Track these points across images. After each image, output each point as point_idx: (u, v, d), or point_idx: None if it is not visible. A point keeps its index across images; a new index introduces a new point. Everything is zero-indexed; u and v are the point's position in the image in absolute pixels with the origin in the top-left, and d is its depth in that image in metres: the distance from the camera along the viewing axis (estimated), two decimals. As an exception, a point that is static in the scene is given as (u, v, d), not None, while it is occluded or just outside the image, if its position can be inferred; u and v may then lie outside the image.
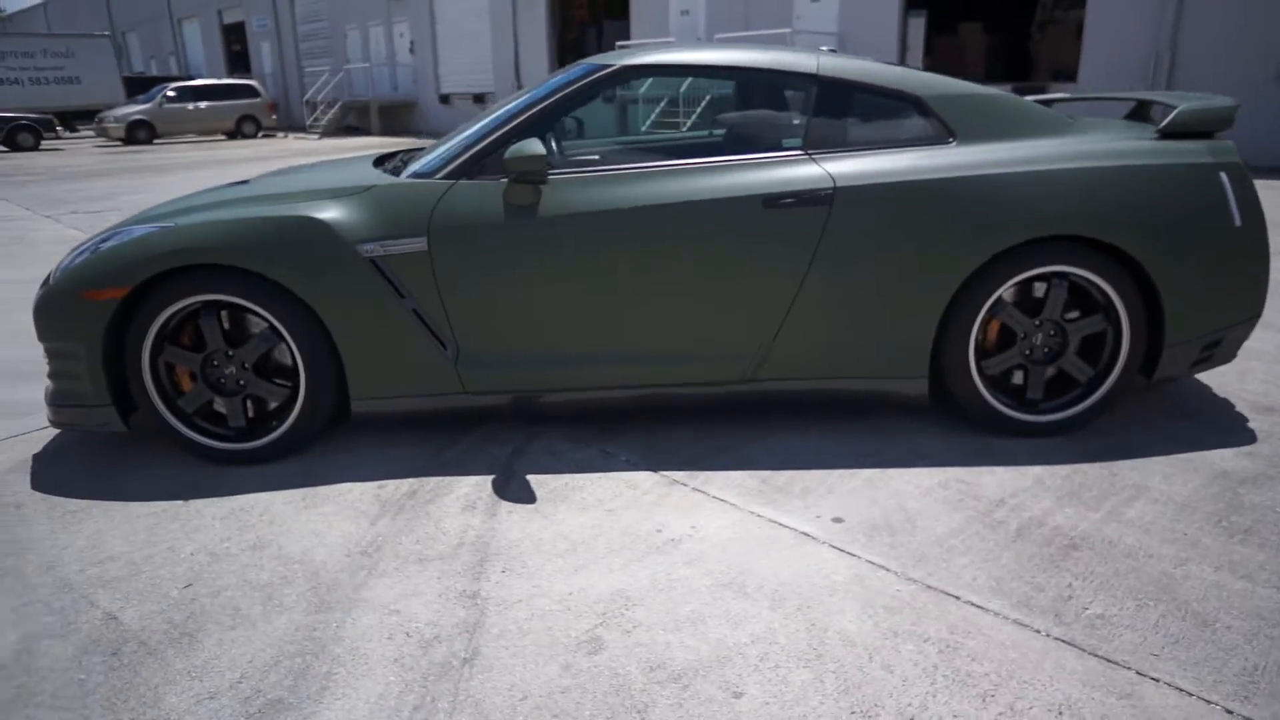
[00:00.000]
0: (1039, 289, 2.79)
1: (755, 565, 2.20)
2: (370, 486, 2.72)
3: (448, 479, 2.74)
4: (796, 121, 2.85)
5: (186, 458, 2.96)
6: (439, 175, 2.81)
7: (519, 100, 2.99)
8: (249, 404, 2.85)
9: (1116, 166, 2.68)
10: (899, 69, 2.87)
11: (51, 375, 2.86)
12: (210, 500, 2.65)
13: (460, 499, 2.60)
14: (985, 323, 2.82)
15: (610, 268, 2.72)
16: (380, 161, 3.35)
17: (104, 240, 2.83)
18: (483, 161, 2.79)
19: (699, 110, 14.87)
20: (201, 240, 2.68)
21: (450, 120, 23.43)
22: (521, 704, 1.74)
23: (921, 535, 2.32)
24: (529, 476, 2.74)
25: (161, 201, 7.19)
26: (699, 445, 2.92)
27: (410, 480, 2.74)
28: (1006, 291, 2.78)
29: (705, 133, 3.55)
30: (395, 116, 25.31)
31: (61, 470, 2.89)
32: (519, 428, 3.11)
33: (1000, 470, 2.66)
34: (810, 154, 2.78)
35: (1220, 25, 10.48)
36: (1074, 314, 2.81)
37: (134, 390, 2.80)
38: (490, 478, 2.73)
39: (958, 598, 2.04)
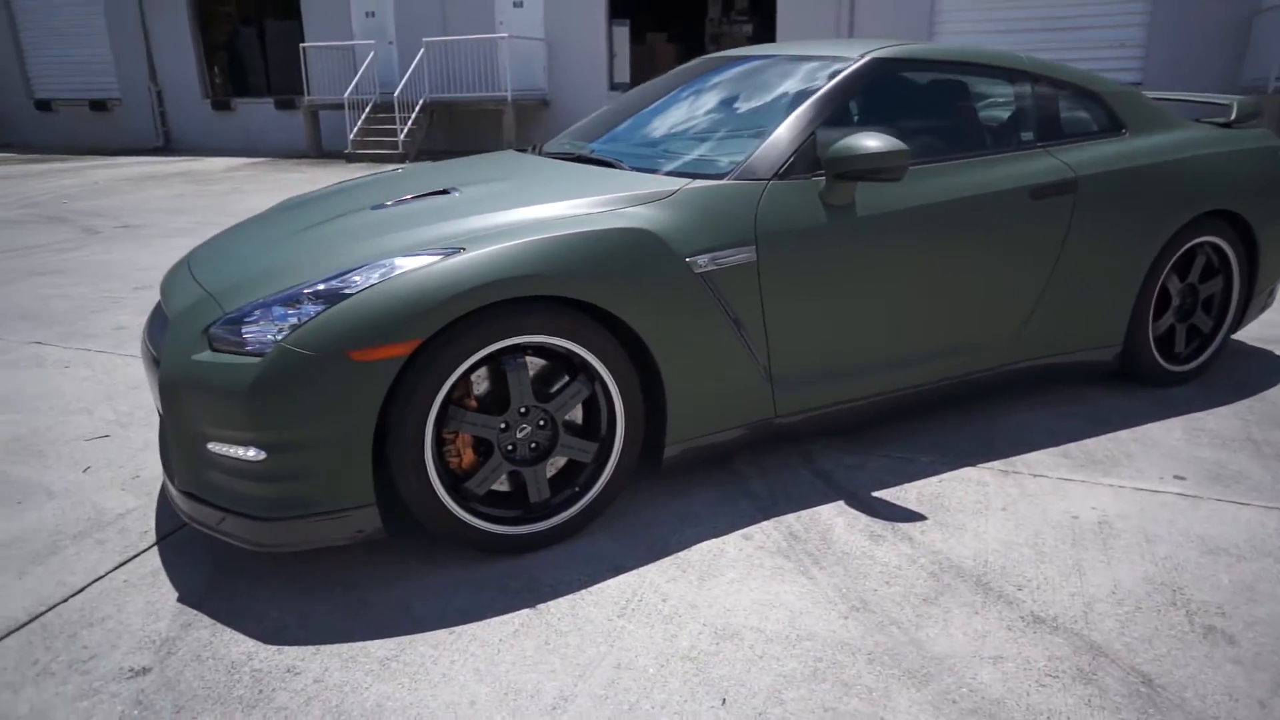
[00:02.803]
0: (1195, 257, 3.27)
1: (1197, 527, 2.34)
2: (733, 538, 2.33)
3: (795, 514, 2.43)
4: (1025, 116, 3.00)
5: (390, 558, 2.25)
6: (737, 177, 2.46)
7: (781, 96, 2.73)
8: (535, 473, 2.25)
9: (1239, 150, 3.26)
10: (1070, 66, 3.17)
11: (262, 478, 1.99)
12: (567, 598, 2.07)
13: (845, 525, 2.35)
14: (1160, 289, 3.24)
15: (917, 265, 2.63)
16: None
17: (333, 285, 2.03)
18: (794, 160, 2.51)
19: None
20: (520, 268, 2.06)
21: (55, 129, 19.17)
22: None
23: (1257, 475, 2.63)
24: (876, 494, 2.55)
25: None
26: (965, 435, 2.95)
27: (767, 523, 2.39)
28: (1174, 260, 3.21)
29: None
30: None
31: (291, 609, 2.03)
32: (770, 449, 2.85)
33: (1216, 412, 3.11)
34: (1044, 146, 2.95)
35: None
36: (1199, 277, 3.34)
37: (400, 479, 2.06)
38: (835, 503, 2.49)
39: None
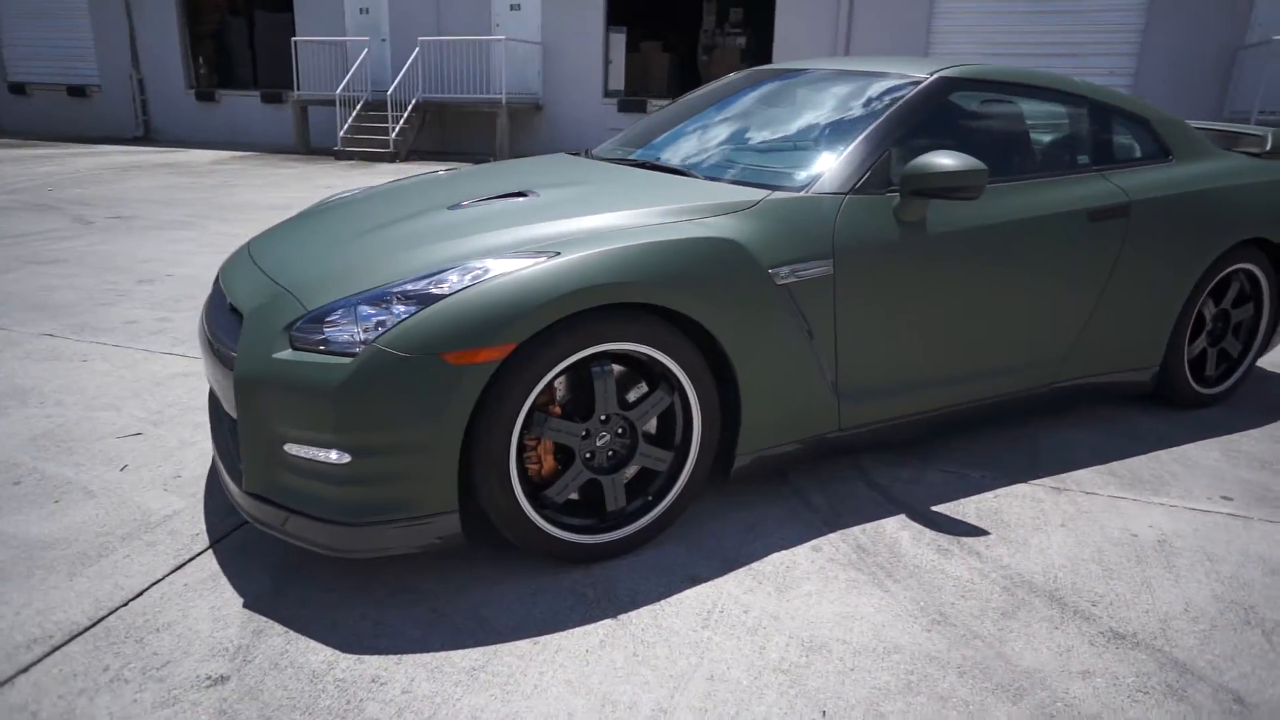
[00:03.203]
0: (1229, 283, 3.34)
1: (1255, 548, 2.38)
2: (803, 550, 2.32)
3: (859, 527, 2.44)
4: (1082, 139, 3.04)
5: (462, 569, 2.22)
6: (816, 190, 2.47)
7: (849, 111, 2.76)
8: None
9: (1277, 180, 3.34)
10: (1120, 92, 3.22)
11: (344, 482, 1.95)
12: (647, 609, 2.05)
13: (911, 539, 2.36)
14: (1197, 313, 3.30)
15: (981, 283, 2.66)
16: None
17: (423, 286, 2.00)
18: (870, 175, 2.52)
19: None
20: (615, 274, 2.04)
21: (29, 114, 18.73)
22: None
23: (1288, 497, 2.70)
24: (935, 508, 2.57)
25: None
26: (1012, 452, 2.98)
27: (834, 535, 2.39)
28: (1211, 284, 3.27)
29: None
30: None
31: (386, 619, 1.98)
32: (825, 462, 2.85)
33: (1250, 434, 3.16)
34: (1099, 170, 3.00)
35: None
36: (1231, 302, 3.41)
37: (483, 485, 2.03)
38: (897, 517, 2.50)
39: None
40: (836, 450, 2.61)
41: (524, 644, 1.94)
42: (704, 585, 2.17)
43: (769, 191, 2.44)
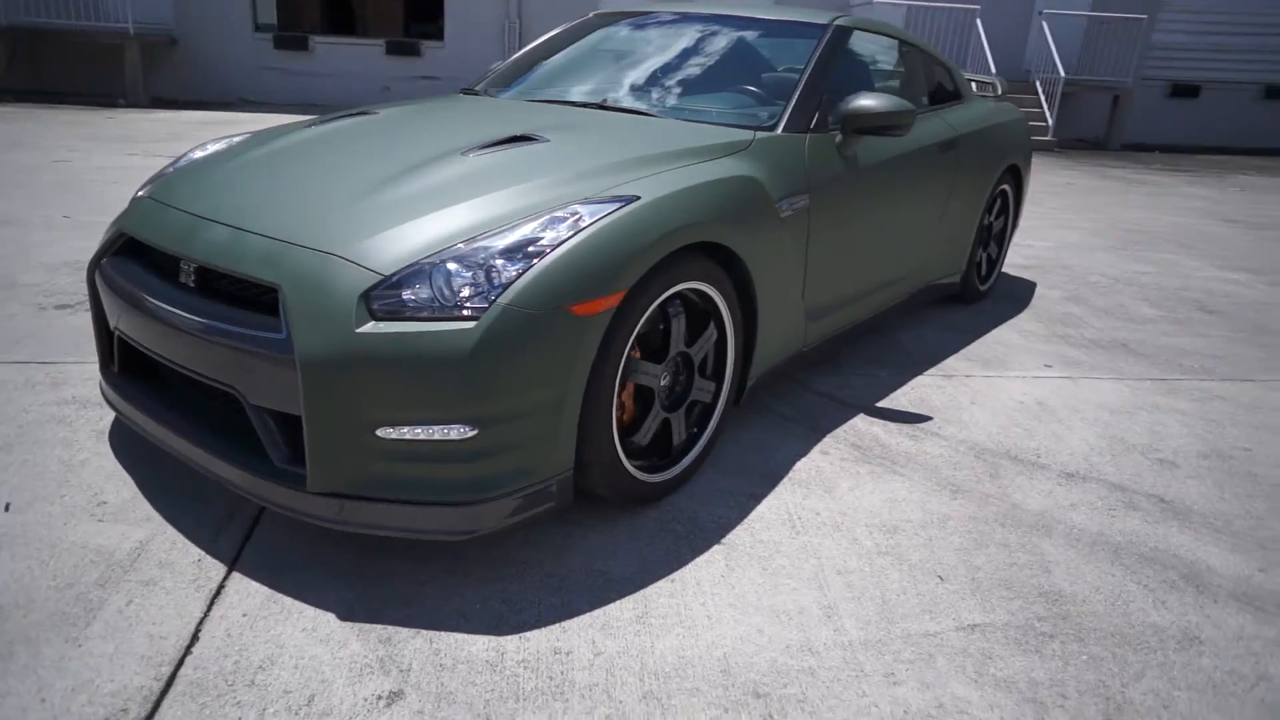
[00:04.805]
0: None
1: (1093, 398, 3.15)
2: (814, 456, 2.58)
3: (838, 429, 2.77)
4: (926, 83, 3.55)
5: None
6: (785, 129, 2.65)
7: (772, 55, 2.96)
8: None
9: (1016, 118, 4.21)
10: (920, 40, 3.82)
11: (464, 458, 1.78)
12: (737, 530, 2.18)
13: (883, 431, 2.74)
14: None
15: (890, 207, 3.07)
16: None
17: (518, 239, 1.85)
18: (819, 115, 2.74)
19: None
20: (692, 215, 2.08)
21: None
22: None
23: (1087, 357, 3.55)
24: (879, 404, 2.97)
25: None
26: (894, 351, 3.50)
27: (826, 440, 2.69)
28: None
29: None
30: None
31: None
32: (770, 381, 3.12)
33: (1020, 318, 4.03)
34: (935, 110, 3.55)
35: (550, 6, 12.94)
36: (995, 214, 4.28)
37: (590, 439, 1.97)
38: (858, 416, 2.87)
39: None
40: (795, 367, 2.90)
41: (663, 584, 1.97)
42: (768, 500, 2.34)
43: (753, 132, 2.59)
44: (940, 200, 3.50)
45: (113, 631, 1.74)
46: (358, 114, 2.79)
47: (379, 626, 1.79)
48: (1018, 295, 4.50)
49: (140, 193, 2.44)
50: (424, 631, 1.79)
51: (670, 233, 2.01)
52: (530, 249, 1.85)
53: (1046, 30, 12.61)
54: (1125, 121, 13.50)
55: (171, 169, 2.55)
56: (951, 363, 3.45)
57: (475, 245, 1.86)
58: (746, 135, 2.55)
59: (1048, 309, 4.28)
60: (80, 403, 2.68)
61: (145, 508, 2.16)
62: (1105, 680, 1.73)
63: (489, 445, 1.80)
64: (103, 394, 2.38)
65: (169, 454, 2.34)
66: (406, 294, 1.78)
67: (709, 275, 2.21)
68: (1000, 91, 4.47)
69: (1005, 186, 4.18)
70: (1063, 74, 12.26)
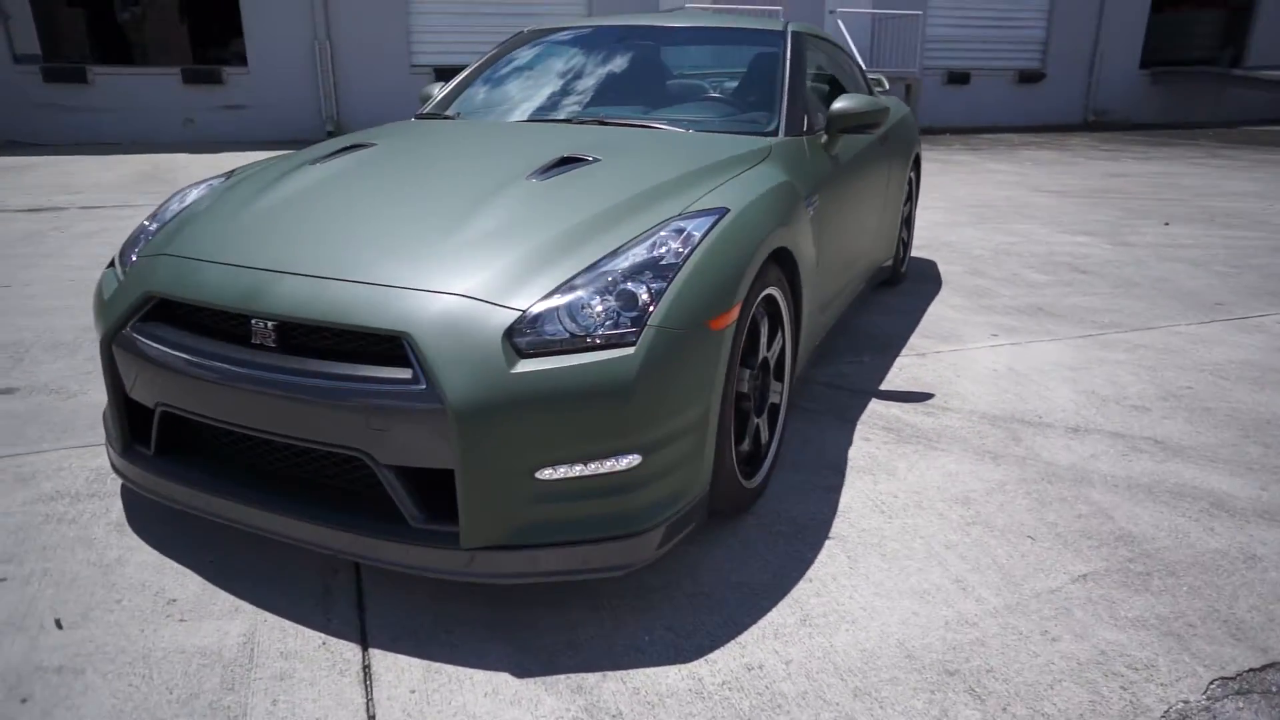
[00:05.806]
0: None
1: (1048, 358, 3.49)
2: (859, 444, 2.70)
3: (866, 413, 2.91)
4: (851, 78, 3.75)
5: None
6: (786, 133, 2.75)
7: (746, 63, 3.04)
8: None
9: (908, 111, 4.57)
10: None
11: (628, 487, 1.74)
12: (835, 523, 2.25)
13: (903, 412, 2.91)
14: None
15: (861, 201, 3.25)
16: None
17: (640, 260, 1.82)
18: (808, 118, 2.85)
19: None
20: (775, 223, 2.11)
21: None
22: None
23: (1025, 324, 3.93)
24: (882, 388, 3.14)
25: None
26: (860, 338, 3.70)
27: (862, 426, 2.82)
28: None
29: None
30: None
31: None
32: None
33: (943, 295, 4.38)
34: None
35: (360, 25, 12.33)
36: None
37: (717, 451, 1.97)
38: (871, 401, 3.03)
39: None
40: (810, 360, 3.02)
41: (804, 585, 2.02)
42: (846, 491, 2.44)
43: (769, 139, 2.67)
44: (882, 190, 3.75)
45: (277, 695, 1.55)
46: (361, 146, 2.60)
47: (562, 676, 1.71)
48: (928, 274, 4.89)
49: (133, 255, 2.16)
50: (610, 673, 1.73)
51: (763, 240, 2.06)
52: (658, 268, 1.83)
53: (842, 26, 13.63)
54: (917, 108, 14.86)
55: (157, 224, 2.26)
56: (916, 341, 3.71)
57: (599, 271, 1.81)
58: (765, 142, 2.63)
59: (959, 284, 4.68)
60: (70, 497, 2.32)
61: (225, 597, 1.93)
62: (1214, 606, 1.97)
63: (651, 472, 1.77)
64: (127, 480, 2.08)
65: (221, 535, 2.11)
66: (549, 328, 1.71)
67: (778, 279, 2.27)
68: (887, 87, 4.84)
69: (912, 174, 4.53)
70: (864, 67, 13.33)
